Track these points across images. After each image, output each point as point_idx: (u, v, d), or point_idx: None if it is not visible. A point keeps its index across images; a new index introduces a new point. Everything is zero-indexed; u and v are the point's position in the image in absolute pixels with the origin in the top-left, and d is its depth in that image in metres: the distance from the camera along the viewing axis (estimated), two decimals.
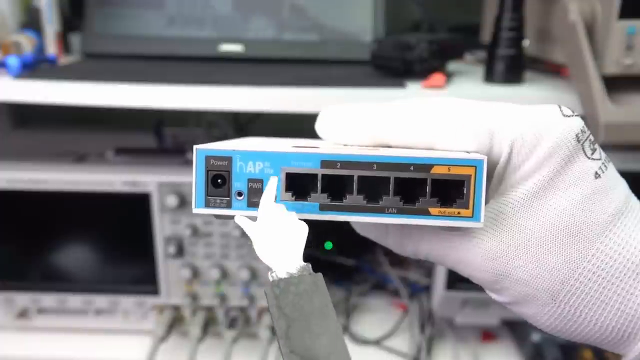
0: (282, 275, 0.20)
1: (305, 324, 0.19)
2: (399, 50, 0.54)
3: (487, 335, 0.69)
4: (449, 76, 0.56)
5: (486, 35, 0.66)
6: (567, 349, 0.62)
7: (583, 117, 0.46)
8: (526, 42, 0.53)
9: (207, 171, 0.23)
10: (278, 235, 0.21)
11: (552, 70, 0.58)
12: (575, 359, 0.62)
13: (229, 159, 0.22)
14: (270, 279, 0.20)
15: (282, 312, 0.19)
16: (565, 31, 0.48)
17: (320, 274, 0.20)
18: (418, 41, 0.53)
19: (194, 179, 0.23)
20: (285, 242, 0.21)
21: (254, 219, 0.22)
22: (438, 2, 0.79)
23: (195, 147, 0.23)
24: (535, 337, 0.63)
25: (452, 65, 0.62)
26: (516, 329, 0.68)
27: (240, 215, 0.22)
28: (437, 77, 0.52)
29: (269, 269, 0.20)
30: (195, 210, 0.23)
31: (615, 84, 0.47)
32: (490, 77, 0.54)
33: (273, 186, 0.22)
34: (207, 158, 0.23)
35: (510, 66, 0.52)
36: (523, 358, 0.65)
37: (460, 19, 0.78)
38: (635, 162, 0.55)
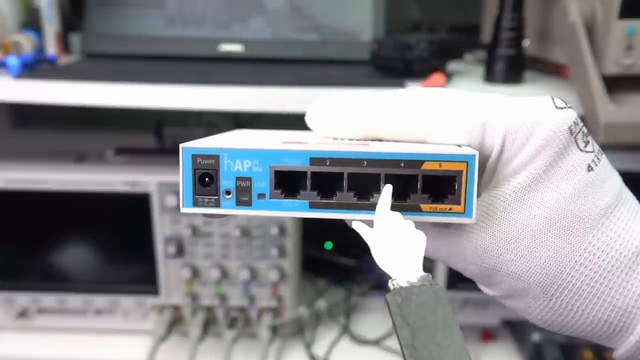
0: (403, 283, 0.19)
1: (430, 335, 0.18)
2: (399, 50, 0.54)
3: (487, 335, 0.69)
4: (449, 76, 0.56)
5: (486, 35, 0.66)
6: (567, 349, 0.62)
7: (582, 117, 0.46)
8: (526, 42, 0.53)
9: (194, 170, 0.22)
10: (397, 243, 0.20)
11: (552, 70, 0.58)
12: (575, 359, 0.62)
13: (216, 158, 0.22)
14: (391, 287, 0.19)
15: (406, 322, 0.18)
16: (565, 31, 0.48)
17: (441, 286, 0.20)
18: (418, 41, 0.53)
19: (181, 177, 0.22)
20: (405, 250, 0.20)
21: (369, 224, 0.21)
22: (438, 2, 0.79)
23: (181, 145, 0.22)
24: (535, 337, 0.63)
25: (452, 65, 0.62)
26: (516, 329, 0.68)
27: (358, 221, 0.21)
28: (437, 77, 0.52)
29: (387, 276, 0.20)
30: (183, 210, 0.23)
31: (615, 84, 0.47)
32: (490, 77, 0.53)
33: (388, 193, 0.21)
34: (194, 157, 0.22)
35: (510, 66, 0.52)
36: (523, 358, 0.65)
37: (460, 19, 0.78)
38: (635, 162, 0.55)
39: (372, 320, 0.71)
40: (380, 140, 0.25)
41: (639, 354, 0.22)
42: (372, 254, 0.20)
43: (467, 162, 0.21)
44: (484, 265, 0.23)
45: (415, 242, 0.20)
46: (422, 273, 0.20)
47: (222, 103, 0.50)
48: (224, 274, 0.62)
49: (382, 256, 0.20)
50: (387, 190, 0.21)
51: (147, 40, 0.66)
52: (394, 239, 0.20)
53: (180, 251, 0.61)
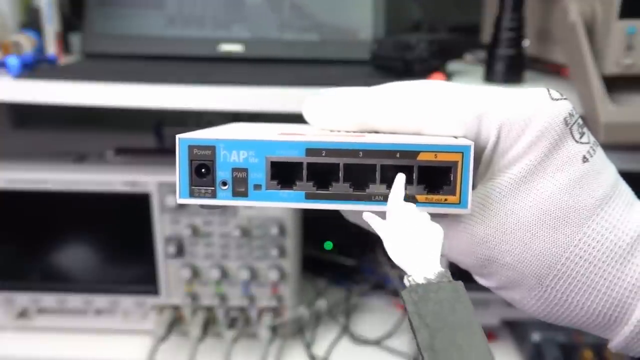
0: (420, 280, 0.18)
1: (451, 336, 0.17)
2: (399, 50, 0.54)
3: (487, 335, 0.68)
4: (449, 76, 0.56)
5: (486, 35, 0.66)
6: (567, 348, 0.62)
7: (582, 117, 0.46)
8: (526, 42, 0.53)
9: (191, 161, 0.22)
10: (412, 236, 0.19)
11: (552, 70, 0.58)
12: (575, 359, 0.62)
13: (212, 149, 0.22)
14: (407, 284, 0.18)
15: (424, 322, 0.17)
16: (565, 31, 0.48)
17: (460, 282, 0.18)
18: (418, 41, 0.53)
19: (177, 168, 0.22)
20: (421, 244, 0.19)
21: (381, 215, 0.20)
22: (438, 2, 0.79)
23: (177, 136, 0.22)
24: (536, 337, 0.63)
25: (452, 65, 0.62)
26: (516, 329, 0.68)
27: (370, 213, 0.21)
28: (437, 77, 0.52)
29: (402, 271, 0.19)
30: (179, 201, 0.23)
31: (615, 84, 0.47)
32: (490, 77, 0.54)
33: (401, 183, 0.21)
34: (191, 147, 0.22)
35: (510, 66, 0.52)
36: (523, 358, 0.65)
37: (460, 19, 0.78)
38: (635, 162, 0.55)
39: (372, 320, 0.71)
40: (376, 132, 0.25)
41: (634, 343, 0.22)
42: (385, 247, 0.19)
43: (462, 152, 0.21)
44: (480, 256, 0.23)
45: (431, 235, 0.19)
46: (440, 269, 0.19)
47: (222, 103, 0.50)
48: (224, 274, 0.62)
49: (397, 250, 0.19)
50: (400, 179, 0.21)
51: (147, 40, 0.66)
52: (408, 232, 0.19)
53: (180, 251, 0.61)
